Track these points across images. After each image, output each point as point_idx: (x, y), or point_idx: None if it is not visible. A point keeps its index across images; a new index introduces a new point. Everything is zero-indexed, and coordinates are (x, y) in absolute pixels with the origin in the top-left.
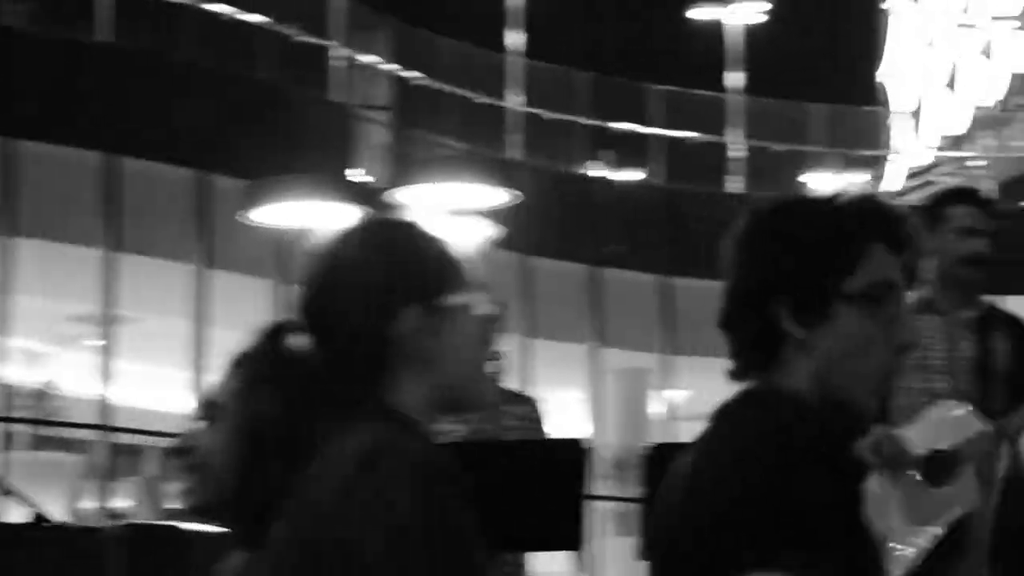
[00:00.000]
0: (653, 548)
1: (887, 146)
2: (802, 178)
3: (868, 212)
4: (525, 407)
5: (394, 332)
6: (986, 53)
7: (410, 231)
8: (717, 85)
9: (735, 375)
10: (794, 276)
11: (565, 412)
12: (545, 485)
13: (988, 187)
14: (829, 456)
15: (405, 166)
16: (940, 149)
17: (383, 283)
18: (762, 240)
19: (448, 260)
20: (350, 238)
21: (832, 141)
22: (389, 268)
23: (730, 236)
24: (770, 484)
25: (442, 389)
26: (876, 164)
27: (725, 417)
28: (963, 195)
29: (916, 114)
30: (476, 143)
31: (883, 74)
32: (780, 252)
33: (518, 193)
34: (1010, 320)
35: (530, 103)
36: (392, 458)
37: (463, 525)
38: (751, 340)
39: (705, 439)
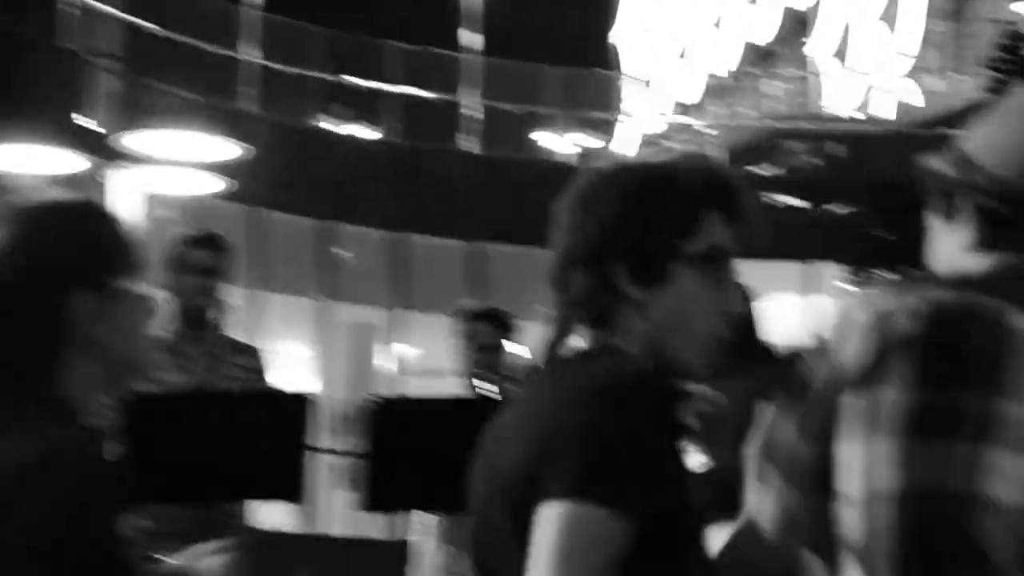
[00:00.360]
0: (476, 498)
1: (620, 110)
2: (537, 139)
3: (709, 179)
4: (248, 358)
5: (66, 316)
6: (717, 23)
7: (86, 213)
8: (453, 44)
9: (559, 335)
10: (634, 237)
11: (293, 365)
12: (268, 436)
13: (718, 154)
14: (657, 411)
15: (134, 115)
16: (671, 115)
17: (55, 266)
18: (602, 201)
19: (123, 243)
20: (26, 219)
21: (566, 103)
22: (61, 251)
23: (565, 198)
24: (595, 426)
25: (110, 370)
26: (609, 128)
27: (555, 372)
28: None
29: (649, 80)
30: (209, 94)
31: (616, 39)
32: (621, 213)
33: (250, 145)
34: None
35: (266, 56)
36: (50, 476)
37: (115, 538)
38: (584, 300)
39: (531, 394)
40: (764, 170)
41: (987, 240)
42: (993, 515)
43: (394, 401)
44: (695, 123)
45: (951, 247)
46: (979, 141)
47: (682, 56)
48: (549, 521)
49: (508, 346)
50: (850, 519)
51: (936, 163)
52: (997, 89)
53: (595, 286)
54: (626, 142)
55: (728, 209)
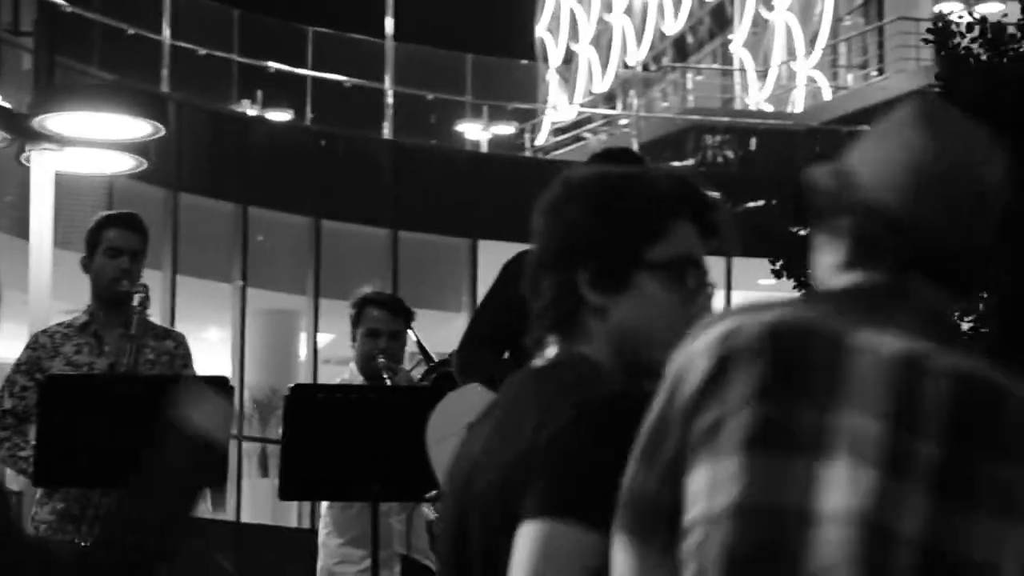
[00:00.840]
0: (449, 514)
1: (541, 100)
2: (455, 127)
3: (680, 190)
4: (167, 342)
5: None
6: (631, 14)
7: None
8: (373, 30)
9: (534, 343)
10: (598, 242)
11: (209, 351)
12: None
13: (633, 146)
14: (629, 426)
15: (50, 94)
16: (588, 106)
17: None
18: (571, 207)
19: None
20: None
21: (483, 92)
22: None
23: (539, 203)
24: (568, 443)
25: None
26: (528, 117)
27: (528, 382)
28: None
29: (564, 71)
30: (126, 75)
31: (540, 29)
32: (587, 218)
33: (166, 127)
34: None
35: (184, 38)
36: None
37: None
38: (552, 305)
39: (506, 404)
40: (679, 162)
41: (855, 258)
42: (825, 529)
43: (311, 389)
44: (610, 113)
45: (825, 261)
46: (860, 157)
47: (596, 44)
48: (526, 540)
49: (405, 334)
50: (692, 540)
51: (820, 175)
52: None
53: (560, 292)
54: (543, 132)
55: (700, 219)
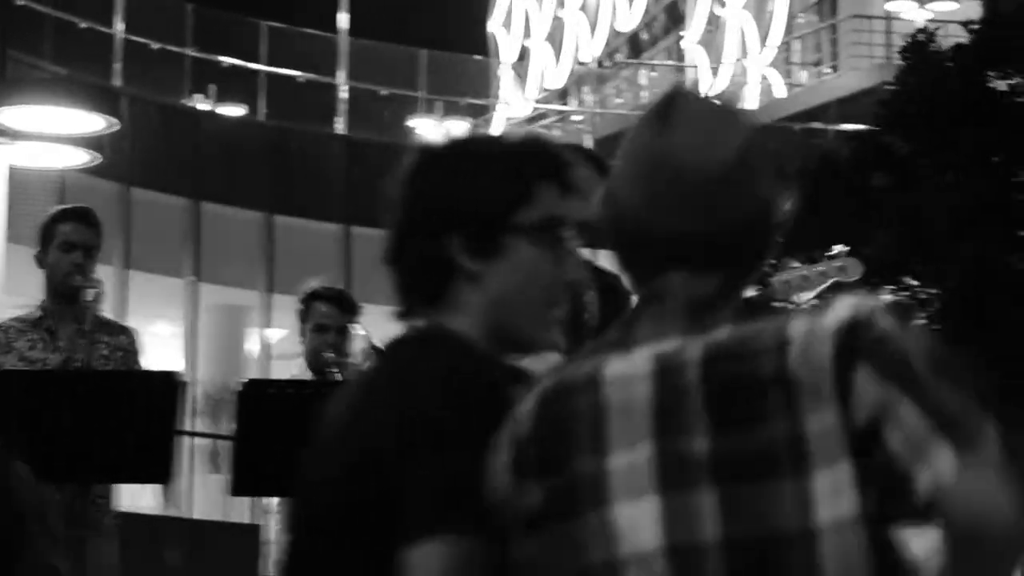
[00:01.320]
0: (304, 492)
1: (494, 96)
2: (408, 123)
3: (540, 152)
4: (121, 337)
5: None
6: (587, 9)
7: None
8: (327, 25)
9: (402, 314)
10: (468, 208)
11: (160, 346)
12: (137, 416)
13: (588, 142)
14: (494, 404)
15: (1, 88)
16: (542, 102)
17: None
18: (435, 174)
19: None
20: None
21: (437, 88)
22: None
23: (399, 174)
24: (433, 437)
25: None
26: (482, 113)
27: (391, 357)
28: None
29: (518, 67)
30: (78, 69)
31: (494, 25)
32: (454, 185)
33: (118, 121)
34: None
35: (137, 32)
36: None
37: None
38: (419, 276)
39: (368, 379)
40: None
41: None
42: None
43: (263, 384)
44: (564, 110)
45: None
46: (613, 171)
47: (551, 40)
48: (419, 567)
49: (353, 328)
50: None
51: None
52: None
53: (429, 261)
54: (496, 128)
55: (560, 180)
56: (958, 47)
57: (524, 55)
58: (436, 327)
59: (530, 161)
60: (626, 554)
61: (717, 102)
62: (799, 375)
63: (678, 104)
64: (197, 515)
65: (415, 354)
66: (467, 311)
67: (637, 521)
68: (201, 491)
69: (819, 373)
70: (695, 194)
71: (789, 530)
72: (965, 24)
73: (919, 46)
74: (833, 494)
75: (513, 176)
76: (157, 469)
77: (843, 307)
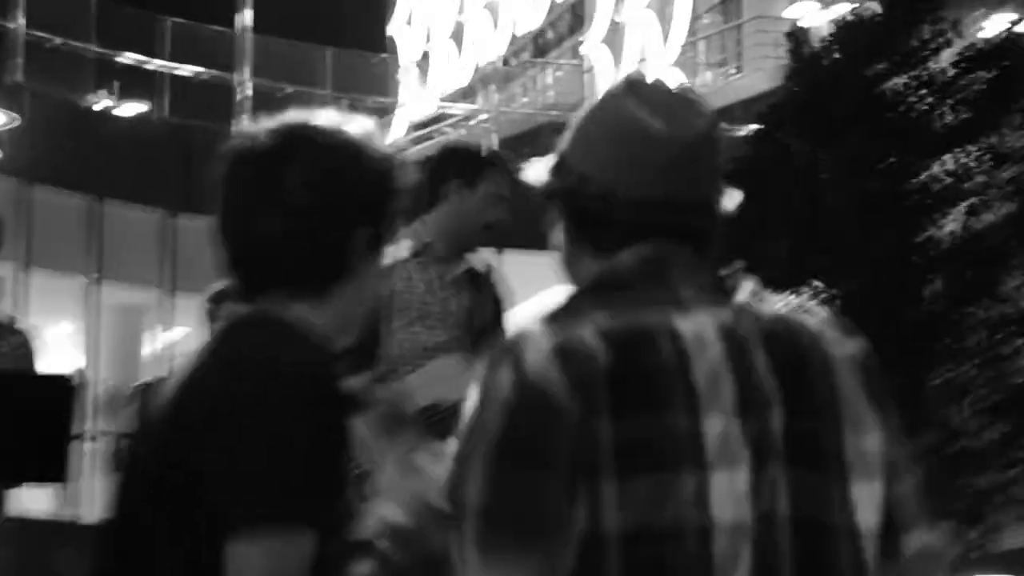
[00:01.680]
0: (129, 470)
1: (394, 96)
2: None
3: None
4: (17, 338)
5: None
6: (491, 8)
7: None
8: (230, 22)
9: (237, 296)
10: (377, 206)
11: (58, 346)
12: (31, 418)
13: (489, 143)
14: (320, 393)
15: None
16: (444, 103)
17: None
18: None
19: None
20: None
21: (341, 86)
22: None
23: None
24: (253, 425)
25: None
26: (383, 113)
27: (219, 341)
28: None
29: (421, 66)
30: None
31: (394, 25)
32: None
33: (19, 117)
34: (485, 277)
35: (39, 28)
36: None
37: None
38: (311, 262)
39: (195, 363)
40: (539, 158)
41: (582, 242)
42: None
43: (163, 384)
44: (468, 108)
45: (570, 256)
46: (570, 142)
47: (455, 40)
48: (244, 563)
49: None
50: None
51: (536, 172)
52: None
53: (324, 249)
54: (397, 129)
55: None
56: (830, 46)
57: (425, 54)
58: (267, 313)
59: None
60: (720, 520)
61: (674, 86)
62: (845, 393)
63: (642, 85)
64: (97, 517)
65: (241, 341)
66: (333, 303)
67: (732, 490)
68: (99, 492)
69: (860, 400)
70: (673, 162)
71: (838, 525)
72: (839, 24)
73: (796, 47)
74: (868, 504)
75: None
76: (52, 470)
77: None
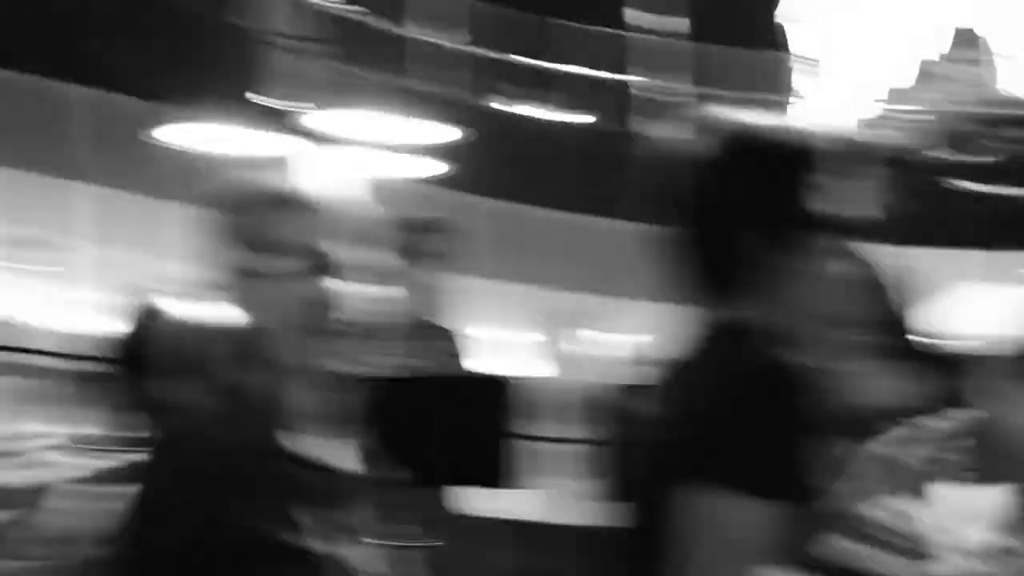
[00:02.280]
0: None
1: (785, 93)
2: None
3: None
4: (445, 341)
5: None
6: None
7: None
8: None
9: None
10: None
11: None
12: (466, 420)
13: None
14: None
15: (313, 94)
16: (881, 102)
17: None
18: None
19: None
20: None
21: (728, 84)
22: None
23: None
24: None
25: None
26: (779, 111)
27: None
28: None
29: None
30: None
31: (784, 16)
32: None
33: (468, 130)
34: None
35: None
36: None
37: None
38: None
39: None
40: (948, 155)
41: None
42: None
43: (633, 388)
44: (904, 108)
45: None
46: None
47: (891, 41)
48: None
49: None
50: None
51: None
52: None
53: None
54: (801, 122)
55: None
56: None
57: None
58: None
59: None
60: None
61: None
62: None
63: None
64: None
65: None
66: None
67: None
68: (562, 497)
69: None
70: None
71: None
72: None
73: None
74: None
75: None
76: (490, 474)
77: None
